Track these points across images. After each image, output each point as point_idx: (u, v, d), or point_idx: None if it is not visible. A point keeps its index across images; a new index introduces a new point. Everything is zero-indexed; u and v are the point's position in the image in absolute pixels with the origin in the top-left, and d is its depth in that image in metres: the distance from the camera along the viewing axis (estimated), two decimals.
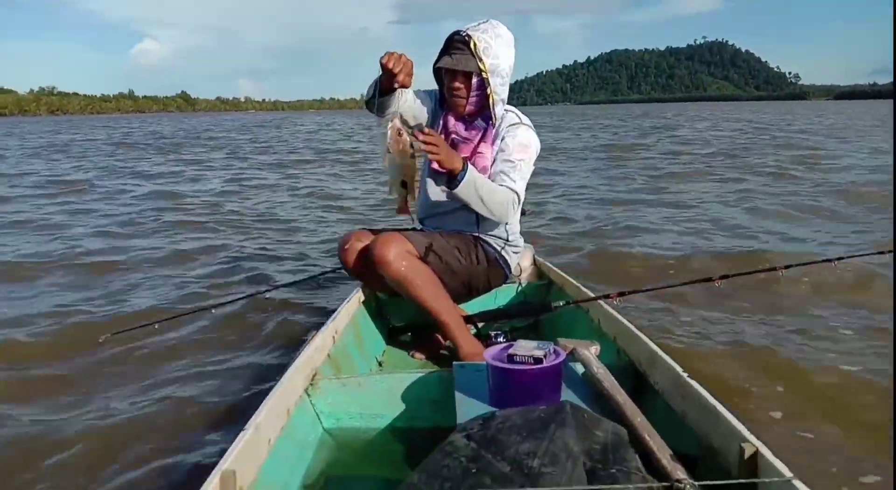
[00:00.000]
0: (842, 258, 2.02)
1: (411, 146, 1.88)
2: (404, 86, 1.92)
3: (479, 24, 2.12)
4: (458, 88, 2.13)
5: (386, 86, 1.96)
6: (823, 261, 2.10)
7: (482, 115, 2.21)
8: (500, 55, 2.10)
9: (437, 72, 2.20)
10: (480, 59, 2.06)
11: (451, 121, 2.26)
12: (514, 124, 2.18)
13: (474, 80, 2.11)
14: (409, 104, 2.18)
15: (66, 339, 2.67)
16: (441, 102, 2.30)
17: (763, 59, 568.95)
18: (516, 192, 2.10)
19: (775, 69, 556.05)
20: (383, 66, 1.87)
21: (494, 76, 2.11)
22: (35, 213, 6.44)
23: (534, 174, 2.24)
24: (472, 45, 2.05)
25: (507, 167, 2.12)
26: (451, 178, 1.98)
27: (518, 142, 2.15)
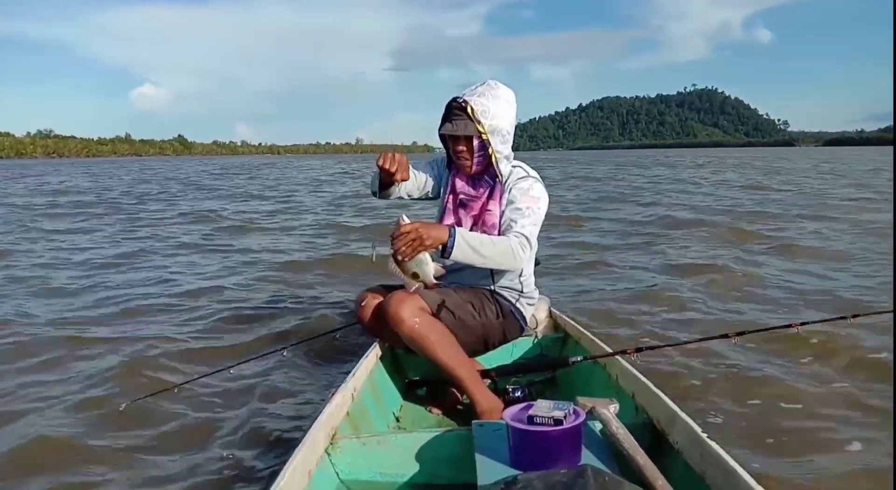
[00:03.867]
0: (857, 315, 2.02)
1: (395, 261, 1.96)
2: (404, 180, 2.16)
3: (476, 87, 2.23)
4: (462, 151, 2.25)
5: (386, 182, 2.22)
6: (838, 318, 2.10)
7: (488, 172, 2.31)
8: (499, 115, 2.19)
9: (443, 137, 2.30)
10: (479, 122, 2.16)
11: (458, 182, 2.38)
12: (521, 178, 2.27)
13: (475, 142, 2.21)
14: (411, 183, 2.36)
15: (89, 414, 2.54)
16: (449, 164, 2.42)
17: (752, 106, 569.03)
18: (524, 236, 2.10)
19: (764, 116, 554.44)
20: (381, 168, 2.10)
21: (494, 136, 2.20)
22: None
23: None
24: (469, 110, 2.15)
25: (516, 214, 2.17)
26: (443, 249, 1.99)
27: (525, 192, 2.22)
